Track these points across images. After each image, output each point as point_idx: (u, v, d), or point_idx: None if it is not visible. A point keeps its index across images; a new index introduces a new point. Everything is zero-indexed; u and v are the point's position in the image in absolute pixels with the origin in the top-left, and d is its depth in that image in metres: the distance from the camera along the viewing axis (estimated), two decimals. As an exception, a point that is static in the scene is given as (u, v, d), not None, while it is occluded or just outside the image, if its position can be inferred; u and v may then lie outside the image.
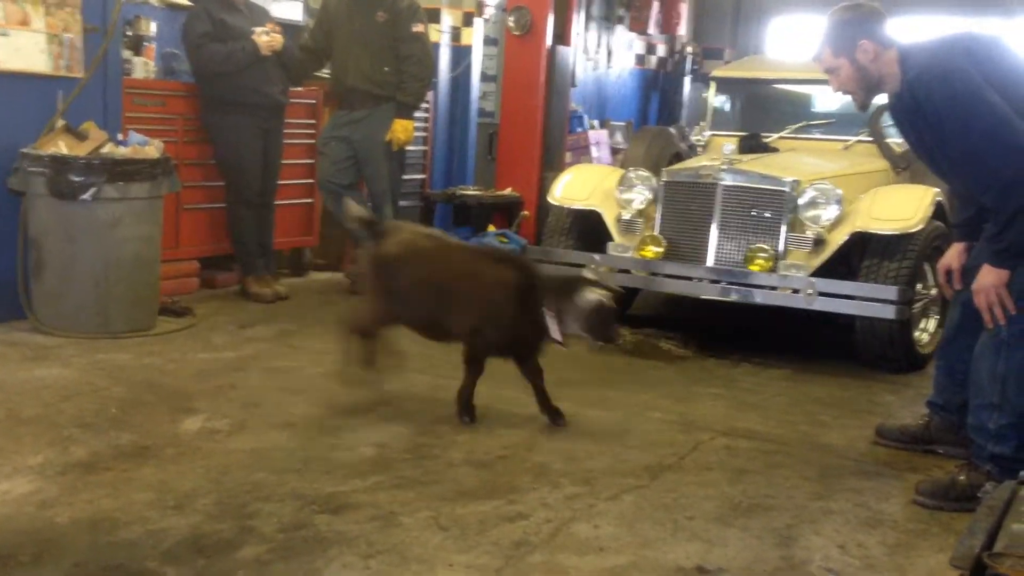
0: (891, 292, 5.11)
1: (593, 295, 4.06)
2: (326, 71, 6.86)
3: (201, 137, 6.31)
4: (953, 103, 3.44)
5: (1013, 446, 3.55)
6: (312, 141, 7.00)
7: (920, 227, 5.26)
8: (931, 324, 5.55)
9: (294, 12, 7.47)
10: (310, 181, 7.00)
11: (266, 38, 6.21)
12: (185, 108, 6.27)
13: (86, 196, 5.08)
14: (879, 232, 5.32)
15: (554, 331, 4.10)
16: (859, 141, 6.43)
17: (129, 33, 6.16)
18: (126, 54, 6.06)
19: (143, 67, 6.18)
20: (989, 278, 3.48)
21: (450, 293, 4.19)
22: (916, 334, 5.44)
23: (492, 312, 4.14)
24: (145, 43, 6.25)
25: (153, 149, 5.44)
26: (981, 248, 3.72)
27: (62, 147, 5.22)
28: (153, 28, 6.31)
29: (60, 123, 5.35)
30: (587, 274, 4.50)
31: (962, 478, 3.58)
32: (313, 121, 7.09)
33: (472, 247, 4.62)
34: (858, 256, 5.43)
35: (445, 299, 4.19)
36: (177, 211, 6.07)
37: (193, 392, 4.36)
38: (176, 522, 3.12)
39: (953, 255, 3.98)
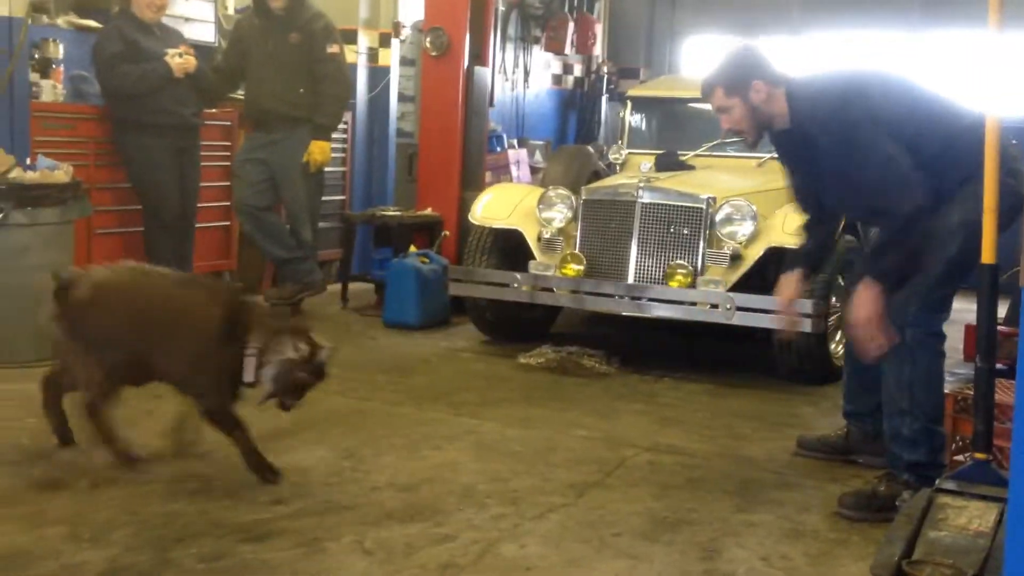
0: (807, 306, 5.19)
1: (291, 354, 3.59)
2: (240, 92, 6.79)
3: (113, 160, 6.19)
4: (843, 140, 3.56)
5: (927, 451, 3.64)
6: (228, 163, 6.91)
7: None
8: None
9: (207, 33, 7.38)
10: (226, 204, 6.91)
11: (179, 60, 6.13)
12: (95, 131, 6.15)
13: (-7, 222, 4.95)
14: (794, 247, 5.39)
15: (248, 372, 3.63)
16: (772, 158, 6.50)
17: (36, 56, 6.02)
18: (33, 77, 5.93)
19: (51, 90, 6.05)
20: (862, 310, 3.53)
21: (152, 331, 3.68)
22: (832, 347, 5.54)
23: (200, 352, 3.66)
24: (53, 65, 6.12)
25: (62, 173, 5.32)
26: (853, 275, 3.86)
27: (-33, 172, 5.07)
28: (61, 50, 6.18)
29: (-35, 147, 5.21)
30: (302, 326, 3.87)
31: (882, 488, 3.64)
32: (228, 143, 7.01)
33: (175, 276, 3.96)
34: (774, 271, 5.51)
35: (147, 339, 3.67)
36: (89, 236, 5.92)
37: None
38: (92, 555, 3.04)
39: (791, 284, 4.03)
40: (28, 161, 5.35)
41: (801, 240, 4.21)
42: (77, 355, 3.69)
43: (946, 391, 3.80)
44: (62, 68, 6.18)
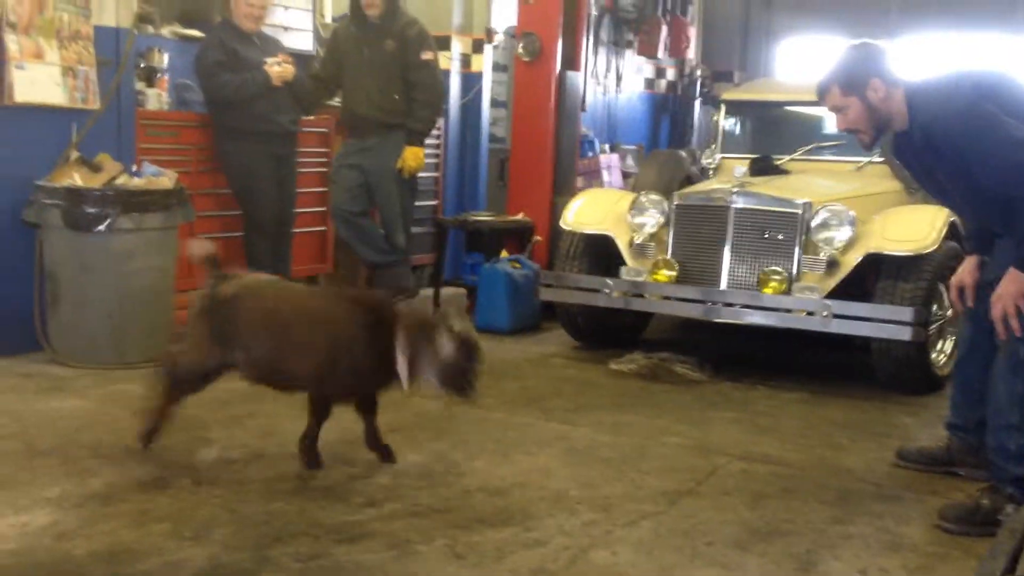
0: (906, 313, 5.08)
1: (451, 343, 3.66)
2: (337, 100, 6.91)
3: (214, 167, 6.33)
4: (973, 138, 3.45)
5: (1034, 467, 3.53)
6: (324, 169, 7.04)
7: (934, 247, 5.24)
8: (948, 345, 5.51)
9: (305, 42, 7.52)
10: (323, 209, 7.03)
11: (278, 68, 6.26)
12: (198, 138, 6.31)
13: (101, 227, 5.11)
14: (893, 253, 5.30)
15: (403, 377, 3.71)
16: (871, 162, 6.42)
17: (142, 65, 6.20)
18: (139, 86, 6.10)
19: (156, 98, 6.22)
20: (1012, 286, 3.45)
21: (290, 336, 3.80)
22: (933, 355, 5.41)
23: (336, 355, 3.74)
24: (158, 74, 6.29)
25: (167, 180, 5.48)
26: (997, 262, 3.71)
27: (77, 179, 5.26)
28: (166, 60, 6.36)
29: (74, 155, 5.39)
30: (451, 315, 3.91)
31: (985, 501, 3.54)
32: (325, 149, 7.12)
33: (316, 289, 4.14)
34: (872, 277, 5.41)
35: (285, 343, 3.79)
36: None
37: (208, 422, 4.36)
38: (193, 553, 3.11)
39: (966, 270, 3.96)
40: (134, 168, 5.52)
41: (964, 223, 4.09)
42: (203, 343, 3.82)
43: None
44: (167, 77, 6.35)
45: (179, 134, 6.22)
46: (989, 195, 3.53)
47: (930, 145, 3.57)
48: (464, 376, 3.69)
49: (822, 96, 3.78)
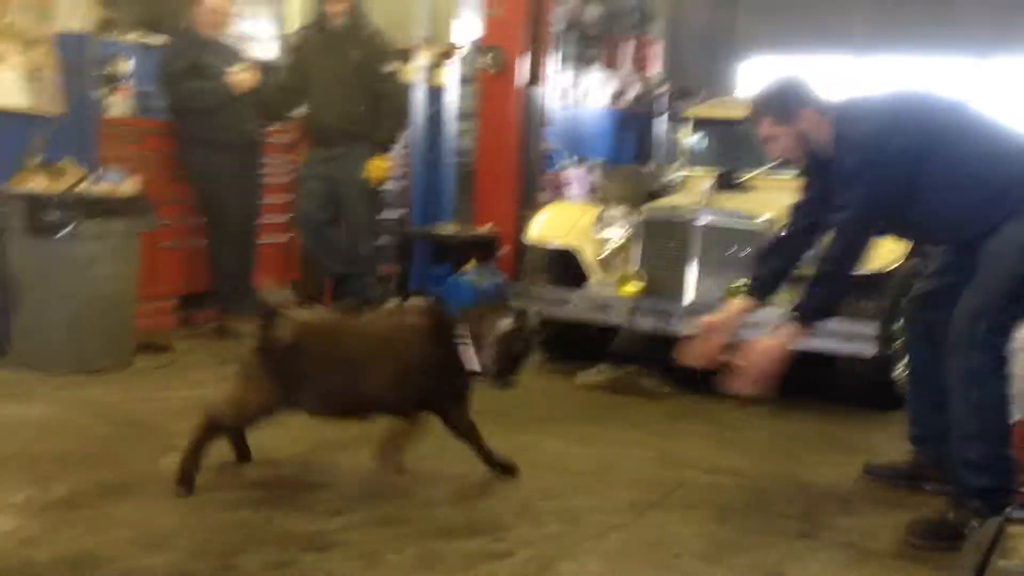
0: (870, 329, 5.13)
1: (509, 321, 3.84)
2: (302, 109, 6.87)
3: (178, 174, 6.29)
4: (848, 165, 3.62)
5: (996, 476, 3.56)
6: (289, 179, 6.99)
7: (897, 265, 5.29)
8: (911, 361, 5.57)
9: (269, 51, 7.49)
10: (288, 218, 6.98)
11: (241, 76, 6.22)
12: (161, 145, 6.26)
13: (62, 233, 5.05)
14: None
15: (472, 361, 3.84)
16: (833, 180, 6.48)
17: (105, 71, 6.13)
18: (102, 92, 6.04)
19: (119, 105, 6.16)
20: (776, 340, 3.68)
21: (361, 363, 3.78)
22: (896, 371, 5.46)
23: (406, 361, 3.80)
24: (121, 81, 6.24)
25: (129, 186, 5.42)
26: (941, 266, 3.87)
27: (39, 184, 5.18)
28: (129, 66, 6.30)
29: (36, 160, 5.32)
30: (513, 305, 4.13)
31: (951, 515, 3.56)
32: (290, 159, 7.08)
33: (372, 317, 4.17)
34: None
35: (357, 370, 3.77)
36: (154, 249, 6.02)
37: (173, 429, 4.27)
38: (157, 560, 3.07)
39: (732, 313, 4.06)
40: (97, 174, 5.45)
41: (755, 268, 4.20)
42: (253, 383, 3.70)
43: (1016, 418, 3.73)
44: (130, 83, 6.29)
45: (142, 141, 6.17)
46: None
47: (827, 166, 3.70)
48: (513, 354, 3.84)
49: (754, 126, 3.85)
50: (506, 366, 3.87)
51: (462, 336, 3.84)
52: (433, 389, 3.87)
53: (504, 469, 3.97)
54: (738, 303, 4.05)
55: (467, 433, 3.93)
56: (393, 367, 3.78)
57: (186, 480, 3.62)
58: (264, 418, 3.76)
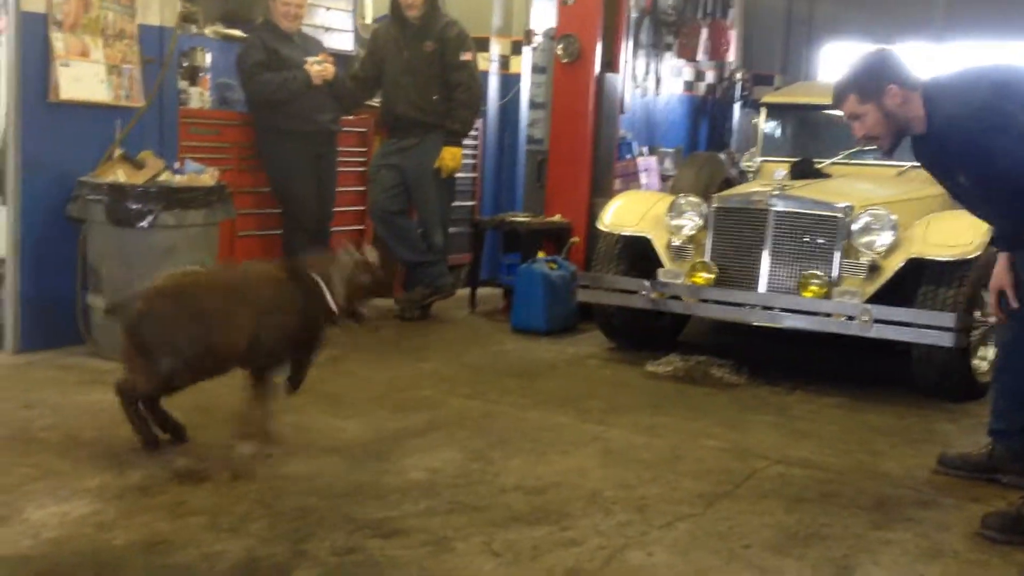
0: (948, 319, 5.01)
1: (351, 259, 4.10)
2: (377, 100, 6.94)
3: (255, 165, 6.39)
4: (991, 136, 3.43)
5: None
6: (363, 169, 7.08)
7: (977, 253, 5.16)
8: (990, 352, 5.43)
9: (345, 42, 7.57)
10: (362, 208, 7.07)
11: (318, 68, 6.31)
12: (240, 137, 6.37)
13: (143, 223, 5.15)
14: (935, 258, 5.23)
15: (328, 300, 4.03)
16: (913, 166, 6.33)
17: (185, 64, 6.26)
18: (182, 84, 6.17)
19: (199, 97, 6.29)
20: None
21: (215, 315, 3.84)
22: (975, 362, 5.34)
23: (266, 306, 3.94)
24: (200, 74, 6.36)
25: (208, 177, 5.52)
26: None
27: (120, 175, 5.30)
28: (208, 59, 6.42)
29: (118, 152, 5.45)
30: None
31: (1027, 510, 3.49)
32: (364, 149, 7.17)
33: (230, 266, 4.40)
34: (914, 283, 5.35)
35: (213, 324, 3.83)
36: (232, 238, 6.13)
37: (247, 416, 4.37)
38: (230, 545, 3.13)
39: (1000, 272, 3.89)
40: (176, 165, 5.56)
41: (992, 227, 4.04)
42: (130, 362, 3.93)
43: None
44: (209, 76, 6.41)
45: (221, 132, 6.29)
46: (1009, 194, 3.48)
47: (948, 147, 3.54)
48: (364, 293, 4.12)
49: (838, 103, 3.75)
50: (355, 301, 4.10)
51: (315, 278, 4.03)
52: (295, 334, 4.02)
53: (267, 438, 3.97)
54: (1002, 262, 3.92)
55: (263, 389, 4.02)
56: (252, 314, 3.89)
57: (148, 442, 3.87)
58: (162, 391, 3.92)
